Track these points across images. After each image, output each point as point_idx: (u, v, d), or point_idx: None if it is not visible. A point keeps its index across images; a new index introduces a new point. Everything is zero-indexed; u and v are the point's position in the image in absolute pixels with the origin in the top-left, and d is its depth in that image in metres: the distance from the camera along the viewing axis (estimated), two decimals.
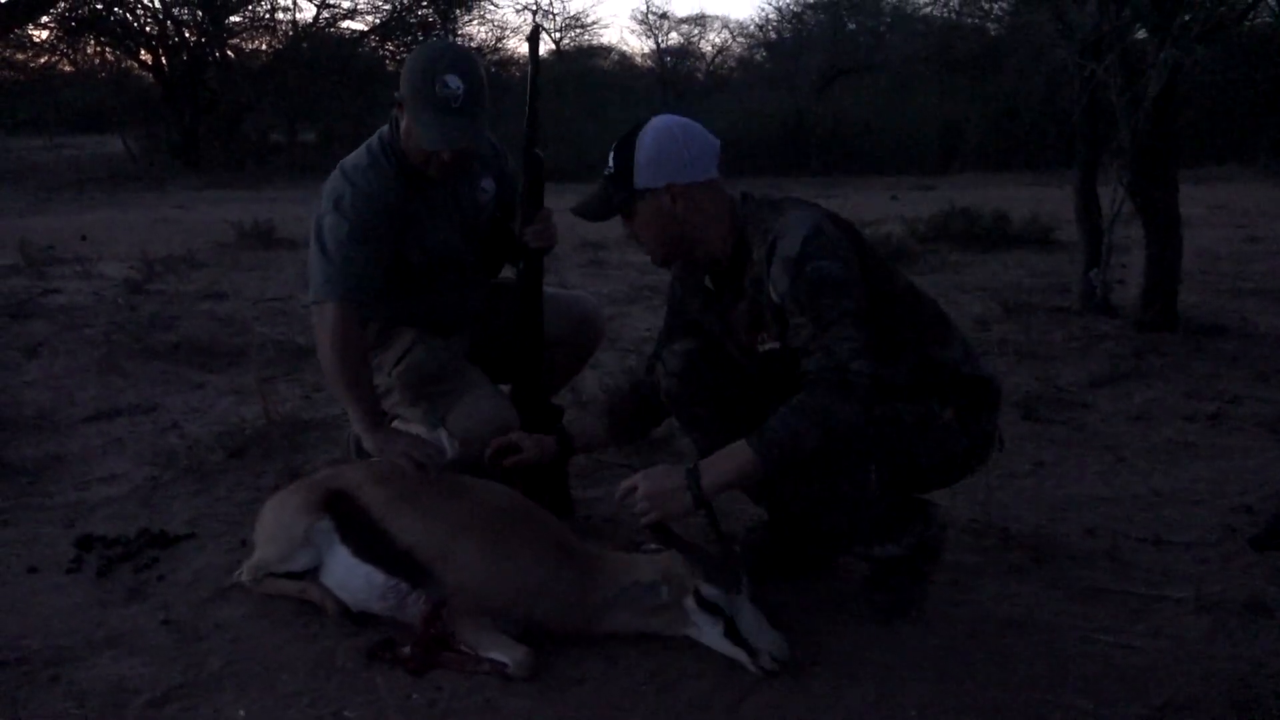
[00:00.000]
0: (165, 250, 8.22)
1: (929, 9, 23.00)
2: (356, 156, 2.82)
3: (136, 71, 20.66)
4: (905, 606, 2.45)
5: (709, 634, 2.23)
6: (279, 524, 2.57)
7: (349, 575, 2.48)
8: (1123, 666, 2.25)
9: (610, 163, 2.37)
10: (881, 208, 11.46)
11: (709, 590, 2.21)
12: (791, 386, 2.22)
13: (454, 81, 2.62)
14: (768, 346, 2.39)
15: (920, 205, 10.54)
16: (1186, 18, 4.96)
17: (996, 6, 20.27)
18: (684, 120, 2.37)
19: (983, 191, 12.70)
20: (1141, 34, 5.42)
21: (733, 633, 2.20)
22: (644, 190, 2.33)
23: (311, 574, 2.54)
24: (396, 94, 2.72)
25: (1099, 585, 2.63)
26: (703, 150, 2.34)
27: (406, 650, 2.29)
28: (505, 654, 2.24)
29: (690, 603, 2.24)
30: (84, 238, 9.27)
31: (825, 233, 2.23)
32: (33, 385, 4.56)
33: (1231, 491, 3.23)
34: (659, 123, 2.35)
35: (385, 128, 2.84)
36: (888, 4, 24.43)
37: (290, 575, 2.55)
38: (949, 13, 21.78)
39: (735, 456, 2.20)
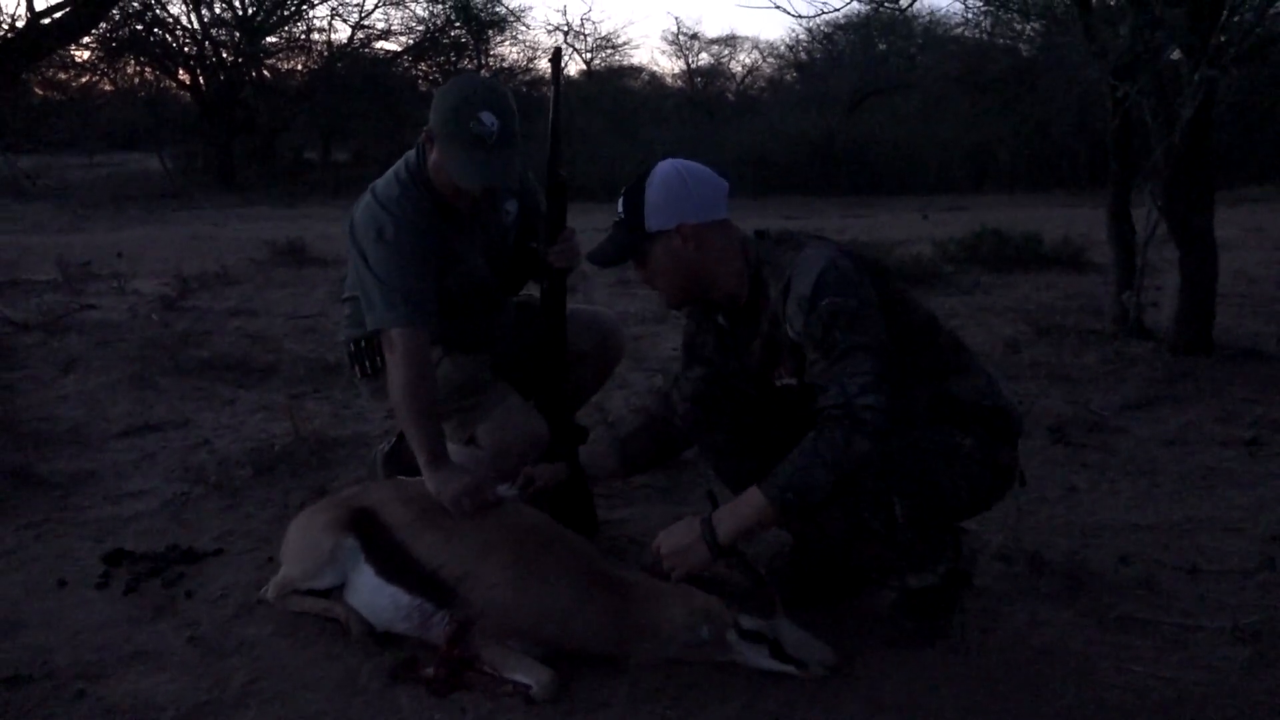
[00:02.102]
0: (199, 267, 8.32)
1: (960, 29, 22.97)
2: (387, 186, 2.80)
3: (174, 91, 21.02)
4: (935, 634, 2.41)
5: (755, 659, 2.24)
6: (305, 542, 2.58)
7: (374, 594, 2.48)
8: (1158, 698, 2.20)
9: (620, 208, 2.40)
10: (912, 228, 11.41)
11: (749, 622, 2.22)
12: (808, 419, 2.21)
13: (488, 119, 2.62)
14: (784, 382, 2.39)
15: (951, 226, 10.48)
16: (1223, 38, 4.91)
17: (1029, 27, 20.18)
18: (690, 163, 2.40)
19: (1013, 212, 12.62)
20: (1176, 54, 5.37)
21: (779, 653, 2.21)
22: (656, 232, 2.34)
23: (336, 592, 2.54)
24: (426, 126, 2.73)
25: (1134, 614, 2.57)
26: (712, 191, 2.36)
27: (430, 671, 2.29)
28: (529, 676, 2.23)
29: (733, 636, 2.23)
30: (120, 254, 9.42)
31: (840, 268, 2.23)
32: (67, 400, 4.62)
33: (1269, 519, 3.16)
34: (666, 167, 2.37)
35: (412, 154, 2.83)
36: (919, 25, 24.40)
37: (315, 593, 2.55)
38: (980, 33, 21.72)
39: (749, 504, 2.22)
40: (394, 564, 2.47)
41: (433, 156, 2.74)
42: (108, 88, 21.13)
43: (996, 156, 17.64)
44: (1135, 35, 5.34)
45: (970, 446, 2.33)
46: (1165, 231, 5.27)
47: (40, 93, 21.63)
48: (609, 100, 22.76)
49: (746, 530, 2.25)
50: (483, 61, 21.73)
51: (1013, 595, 2.67)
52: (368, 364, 2.97)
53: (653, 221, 2.33)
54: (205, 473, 3.63)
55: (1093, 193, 14.22)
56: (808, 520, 2.31)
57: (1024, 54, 20.49)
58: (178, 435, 4.15)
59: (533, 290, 3.07)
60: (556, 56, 3.10)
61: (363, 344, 2.95)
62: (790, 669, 2.21)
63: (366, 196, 2.83)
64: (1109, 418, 4.22)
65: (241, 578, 2.82)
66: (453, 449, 2.82)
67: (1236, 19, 5.07)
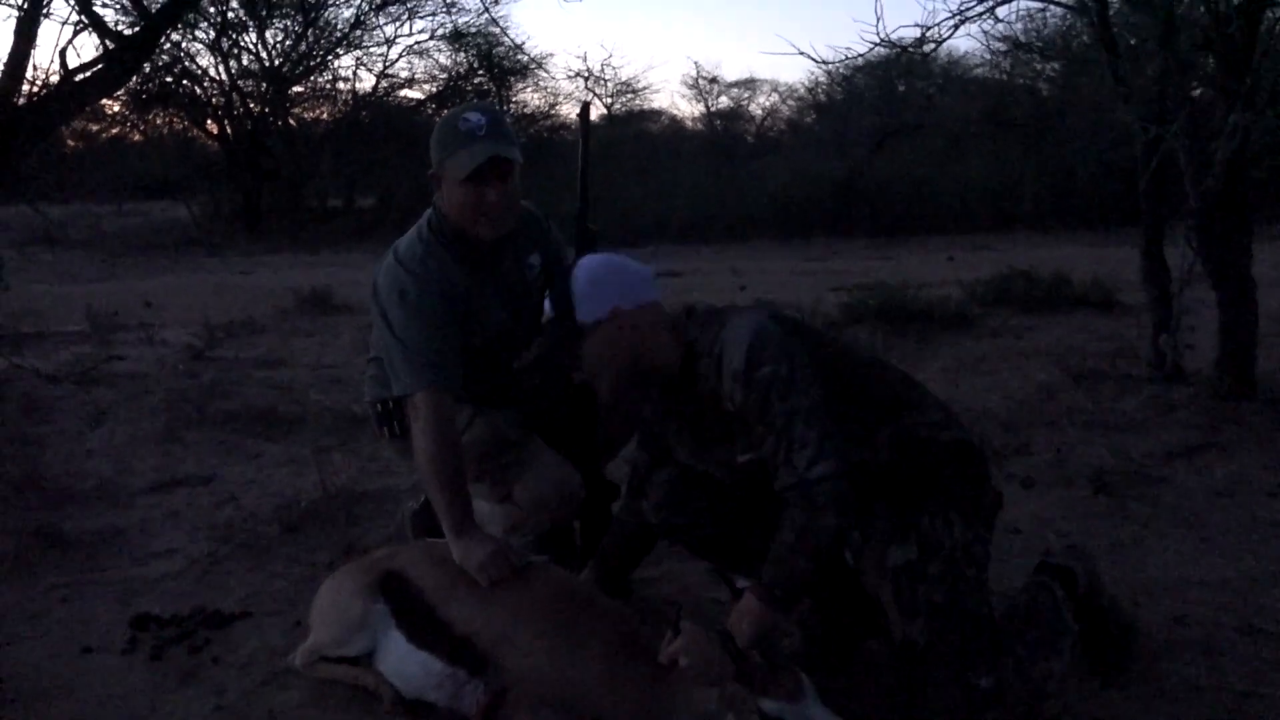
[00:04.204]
0: (226, 316, 8.34)
1: (980, 69, 23.00)
2: (409, 245, 2.76)
3: (202, 140, 21.31)
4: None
5: None
6: (334, 607, 2.52)
7: (404, 661, 2.41)
8: None
9: (548, 310, 2.45)
10: (937, 270, 11.33)
11: (771, 706, 2.11)
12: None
13: (474, 116, 2.60)
14: (745, 458, 2.36)
15: (978, 267, 10.38)
16: (1255, 81, 4.84)
17: (1048, 68, 20.18)
18: (611, 254, 2.47)
19: (1040, 252, 12.52)
20: (1204, 93, 5.31)
21: None
22: (591, 324, 2.35)
23: (366, 659, 2.47)
24: (430, 170, 2.70)
25: (1192, 680, 2.47)
26: (638, 275, 2.41)
27: None
28: None
29: None
30: (148, 304, 9.47)
31: (766, 334, 2.22)
32: (94, 455, 4.60)
33: None
34: (588, 261, 2.43)
35: (430, 213, 2.79)
36: (938, 66, 24.46)
37: (345, 660, 2.49)
38: (1000, 74, 21.74)
39: (750, 614, 2.19)
40: (425, 630, 2.41)
41: (443, 193, 2.70)
42: (137, 138, 21.48)
43: (1021, 197, 17.53)
44: (1164, 78, 5.29)
45: (958, 533, 2.28)
46: (1200, 271, 5.18)
47: (71, 144, 22.02)
48: (630, 144, 22.89)
49: (758, 635, 2.19)
50: (505, 108, 21.96)
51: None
52: (397, 425, 2.92)
53: (585, 314, 2.35)
54: (232, 531, 3.59)
55: (1119, 232, 14.10)
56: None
57: (1044, 94, 20.50)
58: (204, 491, 4.11)
59: None
60: (585, 111, 3.08)
61: (390, 405, 2.90)
62: None
63: (389, 257, 2.78)
64: (1152, 467, 4.12)
65: (269, 642, 2.77)
66: (489, 508, 2.77)
67: (1268, 61, 5.01)
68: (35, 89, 5.80)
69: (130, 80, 14.84)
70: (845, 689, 2.20)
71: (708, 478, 2.51)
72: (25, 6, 5.51)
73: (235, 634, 2.83)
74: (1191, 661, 2.57)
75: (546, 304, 2.88)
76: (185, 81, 19.25)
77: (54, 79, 5.82)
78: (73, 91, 5.74)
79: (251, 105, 20.24)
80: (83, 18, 5.82)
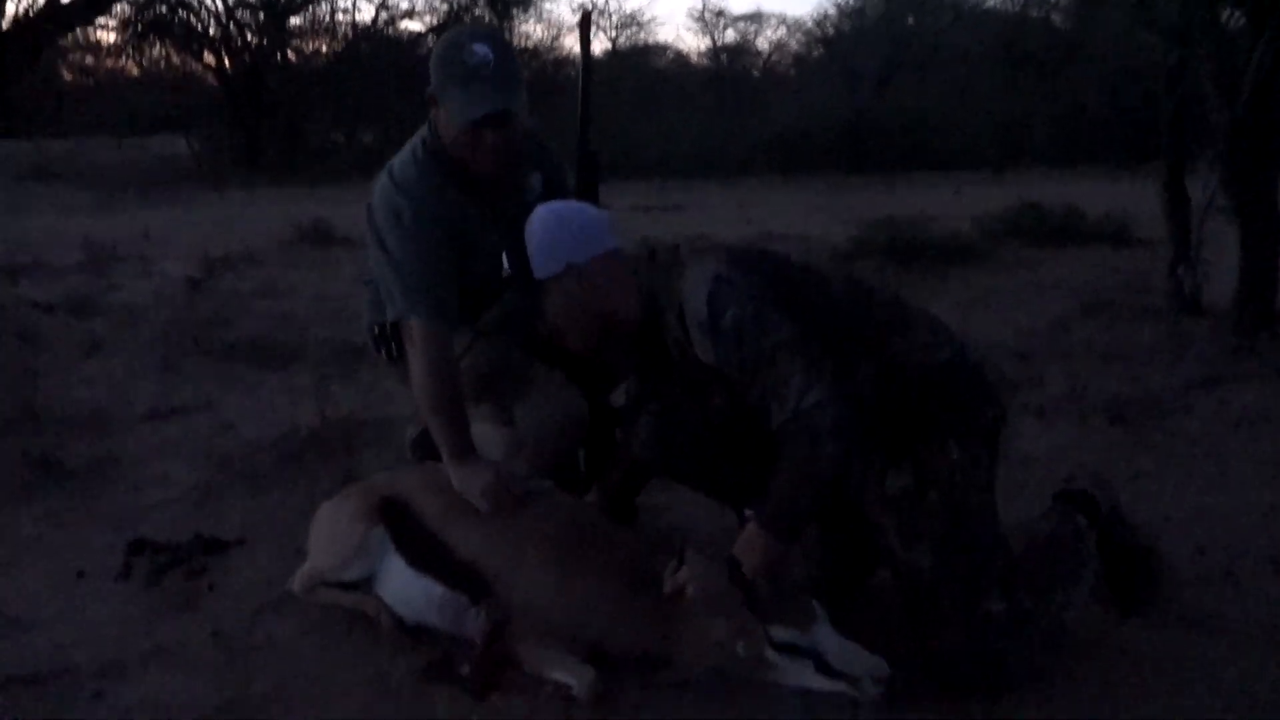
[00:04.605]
0: (225, 249, 8.21)
1: (992, 2, 22.53)
2: (404, 166, 2.63)
3: (201, 74, 20.97)
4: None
5: (800, 676, 2.04)
6: (332, 531, 2.45)
7: (405, 587, 2.34)
8: (1252, 706, 2.03)
9: (506, 266, 2.40)
10: (945, 205, 11.14)
11: (781, 634, 2.04)
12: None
13: (480, 49, 2.43)
14: (717, 403, 2.30)
15: (986, 202, 10.20)
16: None
17: None
18: (564, 203, 2.37)
19: (1050, 188, 12.30)
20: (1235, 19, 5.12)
21: (824, 667, 2.02)
22: (545, 280, 2.27)
23: (366, 585, 2.41)
24: (428, 89, 2.57)
25: (1215, 612, 2.40)
26: (592, 223, 2.29)
27: (466, 669, 2.15)
28: (570, 676, 2.09)
29: (769, 653, 2.05)
30: (147, 236, 9.34)
31: (724, 281, 2.11)
32: (90, 384, 4.52)
33: None
34: (540, 213, 2.31)
35: (425, 132, 2.66)
36: None
37: (344, 585, 2.42)
38: (1012, 5, 21.30)
39: (754, 543, 2.10)
40: (426, 555, 2.34)
41: (440, 118, 2.57)
42: (134, 71, 21.14)
43: (1031, 132, 17.24)
44: (1189, 2, 5.09)
45: (956, 457, 2.17)
46: (1221, 204, 5.04)
47: (69, 77, 21.71)
48: (633, 79, 22.51)
49: (765, 564, 2.10)
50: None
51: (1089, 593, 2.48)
52: (395, 347, 2.83)
53: (540, 269, 2.27)
54: (230, 459, 3.52)
55: (1132, 170, 13.87)
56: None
57: (1058, 25, 20.09)
58: (202, 420, 4.03)
59: None
60: (585, 21, 2.94)
61: (386, 328, 2.81)
62: (840, 686, 2.01)
63: (383, 177, 2.66)
64: (1170, 398, 4.03)
65: (266, 569, 2.70)
66: (490, 431, 2.68)
67: None
68: (21, 11, 5.63)
69: (112, 5, 14.50)
70: (853, 619, 2.12)
71: (694, 412, 2.40)
72: None
73: (233, 561, 2.76)
74: (1214, 593, 2.50)
75: (504, 259, 2.75)
76: (181, 11, 18.86)
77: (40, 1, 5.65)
78: (59, 13, 5.56)
79: (250, 37, 19.86)
80: None
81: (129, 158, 19.95)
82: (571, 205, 2.36)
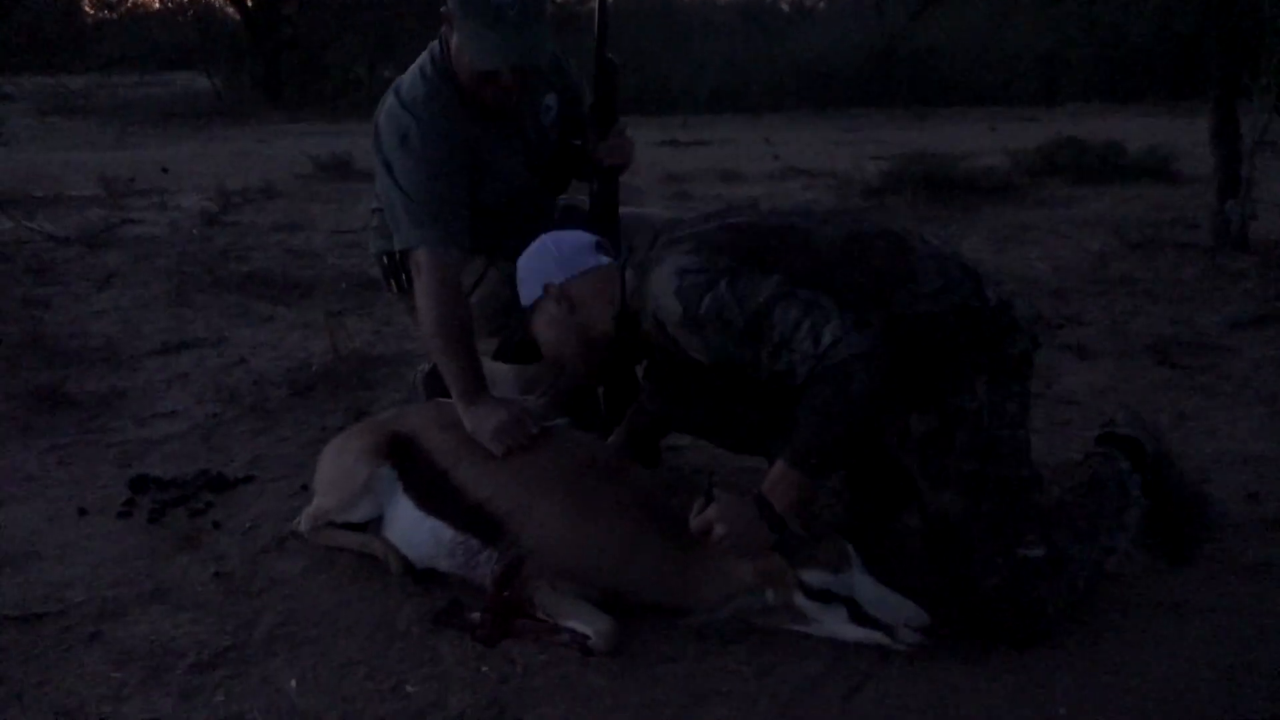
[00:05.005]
0: (243, 183, 8.09)
1: None
2: (412, 84, 2.48)
3: (221, 6, 20.71)
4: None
5: (833, 625, 1.93)
6: (338, 470, 2.34)
7: (413, 529, 2.24)
8: None
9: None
10: (980, 140, 10.82)
11: (814, 577, 1.91)
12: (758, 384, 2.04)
13: None
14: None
15: (1022, 137, 9.90)
16: None
17: None
18: (552, 233, 2.31)
19: (1088, 123, 11.94)
20: None
21: (858, 615, 1.90)
22: (531, 306, 2.25)
23: (373, 525, 2.31)
24: (443, 7, 2.40)
25: (1266, 559, 2.26)
26: (570, 246, 2.26)
27: (476, 616, 2.05)
28: (587, 624, 1.98)
29: (800, 599, 1.94)
30: (165, 170, 9.23)
31: (688, 271, 2.00)
32: (102, 316, 4.43)
33: None
34: (531, 244, 2.29)
35: (435, 47, 2.50)
36: None
37: (350, 526, 2.32)
38: None
39: (784, 480, 1.96)
40: (435, 495, 2.23)
41: (453, 40, 2.41)
42: (156, 6, 20.91)
43: (1069, 66, 16.71)
44: None
45: (984, 395, 2.01)
46: (1272, 137, 4.80)
47: (91, 12, 21.48)
48: (659, 11, 21.98)
49: (796, 501, 1.97)
50: None
51: (1132, 541, 2.35)
52: (405, 278, 2.69)
53: (524, 297, 2.26)
54: (239, 393, 3.42)
55: (1173, 105, 13.44)
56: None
57: None
58: (213, 353, 3.94)
59: (578, 192, 2.76)
60: None
61: (396, 257, 2.67)
62: (876, 636, 1.90)
63: (389, 97, 2.51)
64: (1217, 337, 3.85)
65: (273, 507, 2.61)
66: (502, 368, 2.56)
67: None
68: None
69: None
70: (884, 565, 2.00)
71: (688, 378, 2.30)
72: None
73: (238, 498, 2.67)
74: (1266, 540, 2.36)
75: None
76: None
77: None
78: None
79: None
80: None
81: (150, 93, 19.81)
82: (558, 233, 2.31)
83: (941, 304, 2.01)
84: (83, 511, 2.60)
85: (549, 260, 2.24)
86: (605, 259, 2.25)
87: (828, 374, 1.88)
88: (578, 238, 2.28)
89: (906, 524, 2.34)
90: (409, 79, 2.52)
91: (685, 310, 1.98)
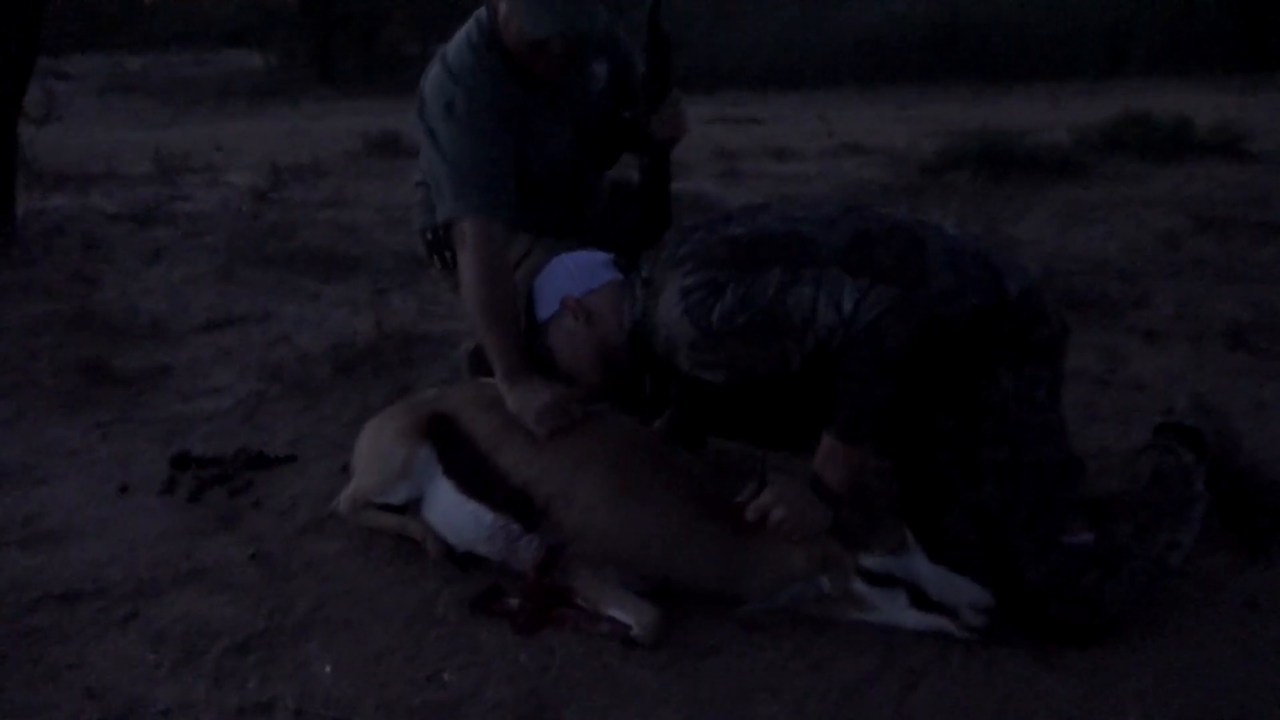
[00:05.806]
0: (293, 159, 8.11)
1: None
2: (458, 52, 2.41)
3: None
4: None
5: (893, 611, 1.85)
6: (377, 451, 2.28)
7: (453, 511, 2.18)
8: None
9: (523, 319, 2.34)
10: (1042, 116, 10.51)
11: (873, 561, 1.82)
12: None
13: None
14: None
15: (1086, 112, 9.59)
16: None
17: None
18: (570, 252, 2.30)
19: (1155, 98, 11.53)
20: None
21: (920, 600, 1.82)
22: (546, 321, 2.23)
23: (413, 507, 2.25)
24: None
25: None
26: (589, 262, 2.25)
27: (515, 603, 1.99)
28: (630, 614, 1.91)
29: (859, 585, 1.85)
30: (219, 148, 9.28)
31: (692, 290, 1.96)
32: (150, 293, 4.43)
33: None
34: (546, 265, 2.29)
35: (482, 12, 2.43)
36: None
37: (389, 508, 2.27)
38: None
39: (834, 456, 1.90)
40: (476, 478, 2.16)
41: (501, 7, 2.33)
42: None
43: (1135, 39, 16.20)
44: None
45: (1009, 384, 1.93)
46: None
47: None
48: None
49: (851, 476, 1.90)
50: None
51: (1203, 536, 2.22)
52: (449, 254, 2.62)
53: (541, 312, 2.24)
54: (283, 371, 3.39)
55: (1244, 78, 12.96)
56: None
57: None
58: (258, 330, 3.92)
59: (628, 166, 2.67)
60: None
61: (440, 232, 2.61)
62: (940, 622, 1.81)
63: (435, 65, 2.44)
64: None
65: (313, 487, 2.57)
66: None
67: None
68: None
69: None
70: (936, 554, 1.90)
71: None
72: None
73: (279, 478, 2.64)
74: None
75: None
76: None
77: None
78: None
79: None
80: None
81: (205, 72, 20.04)
82: (574, 251, 2.30)
83: (954, 307, 1.90)
84: (124, 488, 2.58)
85: (565, 276, 2.23)
86: (619, 275, 2.21)
87: (859, 338, 1.81)
88: (592, 255, 2.28)
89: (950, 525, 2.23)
90: (455, 47, 2.45)
91: (698, 327, 1.93)
